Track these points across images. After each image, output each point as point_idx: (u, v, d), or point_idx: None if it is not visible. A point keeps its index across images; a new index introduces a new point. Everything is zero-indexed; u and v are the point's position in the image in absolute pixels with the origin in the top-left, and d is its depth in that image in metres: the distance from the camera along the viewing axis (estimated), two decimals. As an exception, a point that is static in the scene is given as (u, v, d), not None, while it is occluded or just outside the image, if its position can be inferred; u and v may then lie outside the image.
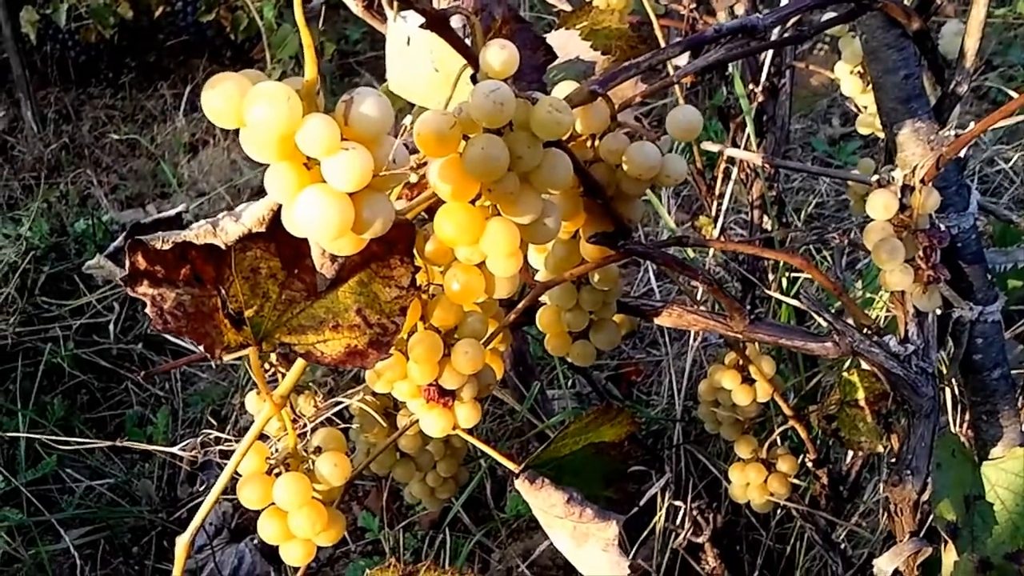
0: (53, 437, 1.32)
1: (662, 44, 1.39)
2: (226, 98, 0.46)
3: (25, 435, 1.55)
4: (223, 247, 0.55)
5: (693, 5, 1.38)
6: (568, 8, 1.19)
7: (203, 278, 0.56)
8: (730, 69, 1.37)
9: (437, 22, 0.56)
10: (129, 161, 3.08)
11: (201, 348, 0.55)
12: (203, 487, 1.81)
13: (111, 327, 2.17)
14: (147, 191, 2.92)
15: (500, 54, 0.56)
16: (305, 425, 0.88)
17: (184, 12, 3.28)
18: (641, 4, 1.38)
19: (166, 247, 0.53)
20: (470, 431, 0.83)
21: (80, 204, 2.80)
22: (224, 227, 0.54)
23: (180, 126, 3.13)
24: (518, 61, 0.57)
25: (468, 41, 0.61)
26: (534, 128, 0.57)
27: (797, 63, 1.36)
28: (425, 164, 0.61)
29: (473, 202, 0.61)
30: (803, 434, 1.11)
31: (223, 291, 0.57)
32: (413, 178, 0.48)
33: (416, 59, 0.75)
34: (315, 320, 0.59)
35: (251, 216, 0.55)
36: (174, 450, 0.87)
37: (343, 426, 0.97)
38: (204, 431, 0.91)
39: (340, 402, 0.91)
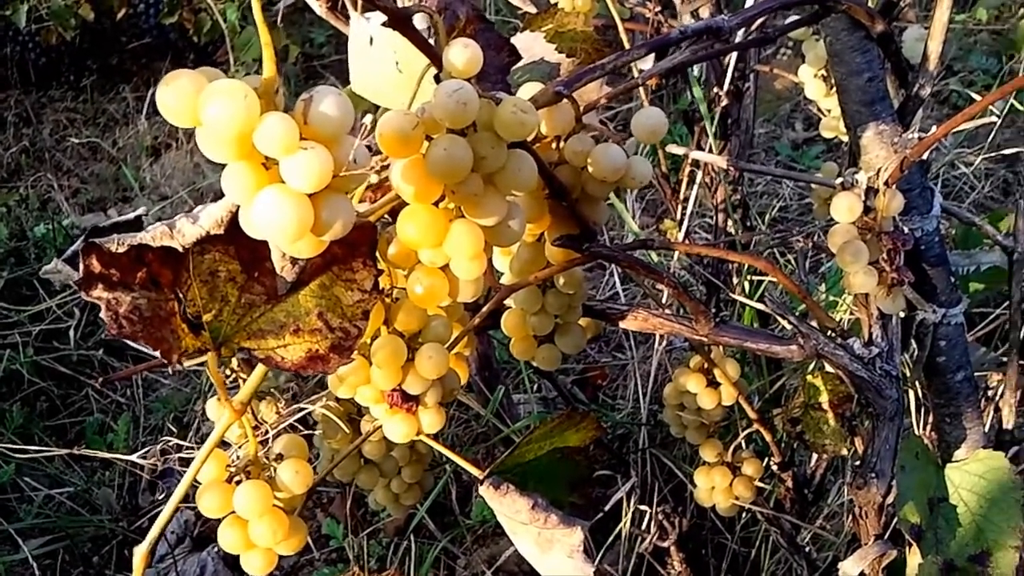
0: (11, 445, 1.29)
1: (627, 47, 1.39)
2: (182, 96, 0.45)
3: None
4: (180, 250, 0.53)
5: (658, 8, 1.38)
6: (533, 10, 1.19)
7: (160, 281, 0.54)
8: (695, 72, 1.37)
9: (400, 20, 0.55)
10: (90, 165, 3.04)
11: (158, 354, 0.53)
12: (164, 495, 1.78)
13: (71, 333, 2.14)
14: (109, 195, 2.88)
15: (463, 53, 0.55)
16: (267, 432, 0.87)
17: (147, 14, 3.24)
18: (606, 7, 1.38)
19: (121, 250, 0.52)
20: (435, 437, 0.82)
21: (40, 208, 2.76)
22: (181, 229, 0.53)
23: (142, 129, 3.09)
24: (482, 60, 0.56)
25: (432, 41, 0.60)
26: (498, 129, 0.57)
27: (761, 67, 1.36)
28: (388, 165, 0.60)
29: (436, 204, 0.60)
30: (768, 437, 1.11)
31: (181, 295, 0.56)
32: (374, 179, 0.47)
33: (379, 59, 0.74)
34: (275, 324, 0.58)
35: (209, 218, 0.53)
36: (133, 458, 0.85)
37: (306, 432, 0.96)
38: (165, 438, 0.89)
39: (303, 408, 0.90)
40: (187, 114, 0.45)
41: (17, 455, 1.65)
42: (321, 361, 0.58)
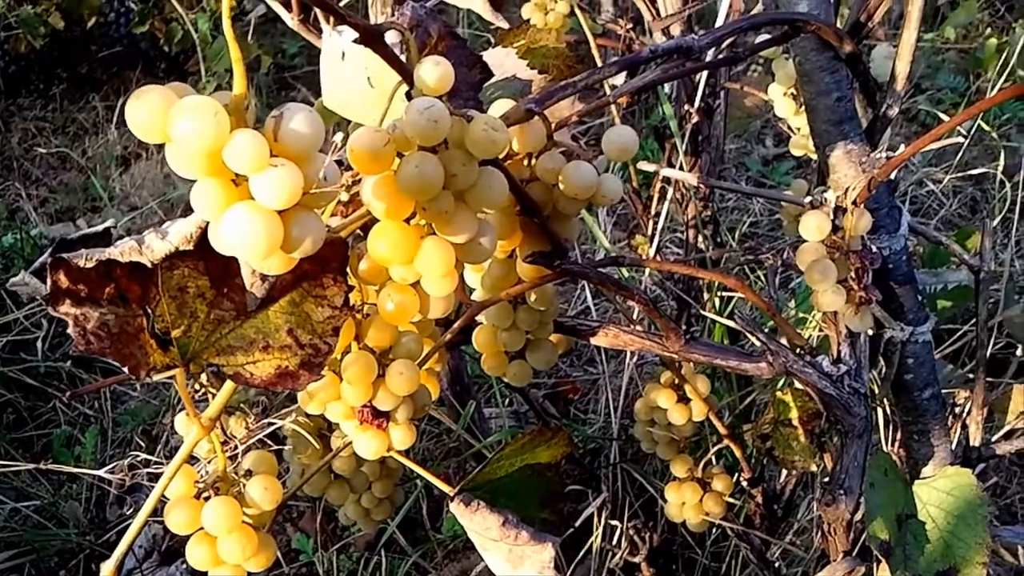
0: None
1: (599, 64, 1.40)
2: (151, 111, 0.45)
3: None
4: (149, 265, 0.53)
5: (630, 26, 1.39)
6: (505, 26, 1.19)
7: (128, 297, 0.54)
8: (666, 88, 1.38)
9: (371, 37, 0.55)
10: (59, 174, 3.02)
11: (126, 369, 0.53)
12: (132, 509, 1.76)
13: (39, 344, 2.12)
14: (78, 205, 2.86)
15: (435, 71, 0.55)
16: (236, 447, 0.86)
17: (117, 23, 3.23)
18: (579, 24, 1.39)
19: (89, 265, 0.52)
20: (406, 452, 0.82)
21: (8, 218, 2.74)
22: (150, 244, 0.53)
23: (112, 139, 3.07)
24: (453, 78, 0.56)
25: (404, 57, 0.61)
26: (469, 146, 0.57)
27: (731, 84, 1.37)
28: (359, 182, 0.60)
29: (408, 221, 0.60)
30: (738, 453, 1.12)
31: (149, 310, 0.55)
32: (344, 196, 0.47)
33: (351, 75, 0.74)
34: (244, 341, 0.58)
35: (178, 234, 0.53)
36: (100, 472, 0.85)
37: (276, 448, 0.96)
38: (132, 452, 0.89)
39: (272, 423, 0.90)
40: (156, 130, 0.45)
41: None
42: (291, 378, 0.58)
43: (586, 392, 2.07)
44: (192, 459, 0.71)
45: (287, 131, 0.46)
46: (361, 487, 1.01)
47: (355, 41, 0.56)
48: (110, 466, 0.83)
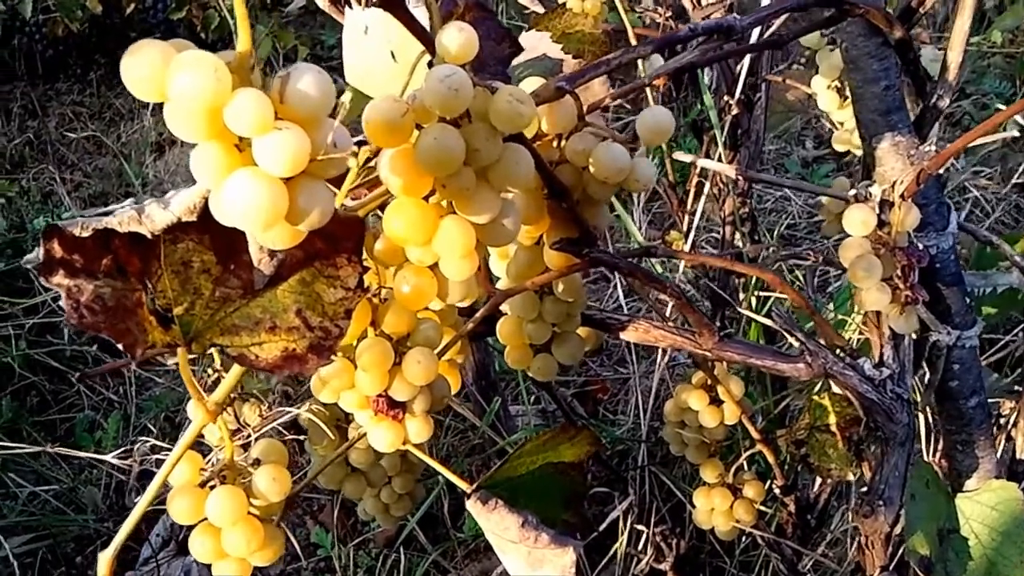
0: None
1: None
2: (149, 67, 0.41)
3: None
4: (149, 236, 0.50)
5: (669, 14, 1.35)
6: (541, 10, 1.16)
7: (127, 270, 0.51)
8: (704, 79, 1.34)
9: (392, 2, 0.52)
10: (94, 159, 3.01)
11: (121, 347, 0.50)
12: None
13: (65, 328, 2.11)
14: (111, 190, 2.85)
15: (458, 37, 0.52)
16: (249, 435, 0.83)
17: (155, 9, 3.22)
18: (616, 12, 1.35)
19: (85, 234, 0.49)
20: (426, 447, 0.79)
21: (42, 201, 2.74)
22: (151, 214, 0.50)
23: (147, 125, 3.06)
24: (477, 45, 0.53)
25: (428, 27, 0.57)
26: (493, 119, 0.53)
27: (773, 77, 1.32)
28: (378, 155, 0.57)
29: (427, 199, 0.57)
30: (771, 459, 1.08)
31: (150, 285, 0.52)
32: (352, 163, 0.43)
33: (374, 49, 0.71)
34: (250, 320, 0.54)
35: (181, 204, 0.50)
36: (109, 457, 0.82)
37: (295, 438, 0.92)
38: (143, 438, 0.86)
39: (287, 411, 0.87)
40: (154, 87, 0.41)
41: (1, 451, 1.62)
42: (298, 361, 0.54)
43: (615, 392, 2.03)
44: (208, 449, 0.68)
45: (294, 92, 0.43)
46: (379, 481, 0.98)
47: (375, 5, 0.52)
48: (119, 450, 0.80)
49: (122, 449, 0.78)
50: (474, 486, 0.70)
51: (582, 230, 0.71)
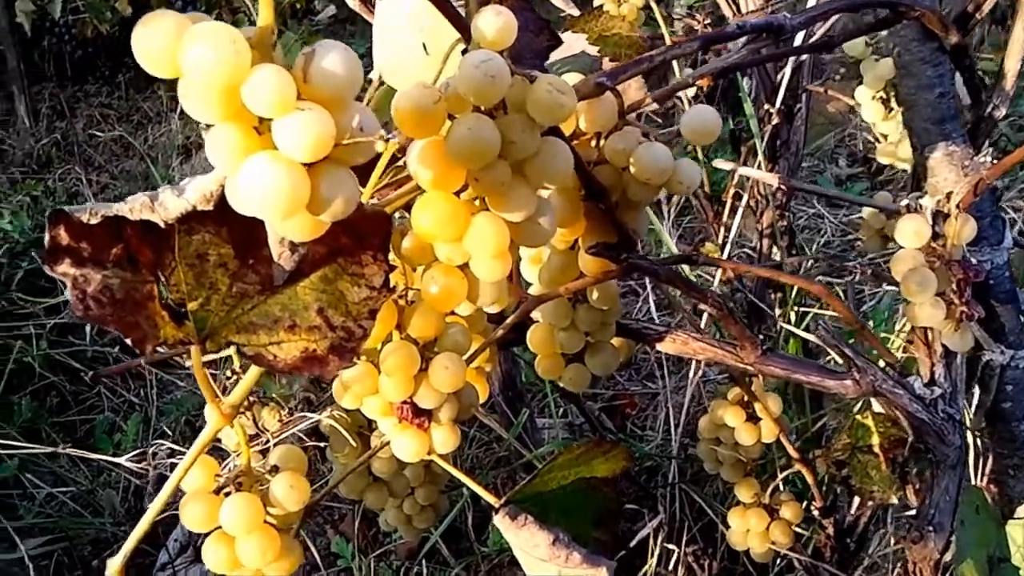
0: (10, 442, 1.23)
1: (676, 66, 1.32)
2: (162, 38, 0.38)
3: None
4: (162, 225, 0.47)
5: (708, 21, 1.31)
6: (576, 13, 1.12)
7: (139, 261, 0.48)
8: (744, 87, 1.30)
9: (426, -19, 0.48)
10: (121, 161, 3.01)
11: (129, 341, 0.47)
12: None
13: (87, 328, 2.09)
14: (136, 192, 2.84)
15: (495, 20, 0.48)
16: (268, 441, 0.80)
17: (184, 12, 3.21)
18: (653, 19, 1.32)
19: (94, 221, 0.46)
20: (450, 457, 0.75)
21: (67, 202, 2.73)
22: (164, 202, 0.47)
23: (175, 128, 3.06)
24: (516, 29, 0.49)
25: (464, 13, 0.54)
26: (531, 110, 0.50)
27: (814, 87, 1.28)
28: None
29: (458, 194, 0.53)
30: (810, 479, 1.03)
31: (163, 278, 0.49)
32: (380, 146, 0.40)
33: (405, 41, 0.68)
34: (269, 318, 0.51)
35: (196, 191, 0.47)
36: (123, 460, 0.79)
37: (319, 444, 0.89)
38: (158, 442, 0.83)
39: (307, 417, 0.84)
40: (167, 61, 0.38)
41: (18, 451, 1.59)
42: (318, 363, 0.51)
43: (644, 407, 1.99)
44: (227, 454, 0.65)
45: (318, 71, 0.39)
46: (401, 492, 0.94)
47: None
48: (132, 454, 0.77)
49: (136, 452, 0.75)
50: (502, 500, 0.66)
51: (620, 234, 0.67)
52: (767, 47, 0.72)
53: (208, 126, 0.41)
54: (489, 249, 0.53)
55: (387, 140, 0.41)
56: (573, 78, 0.63)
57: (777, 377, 0.78)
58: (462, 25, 0.52)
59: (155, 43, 0.38)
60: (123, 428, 1.89)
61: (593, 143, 0.67)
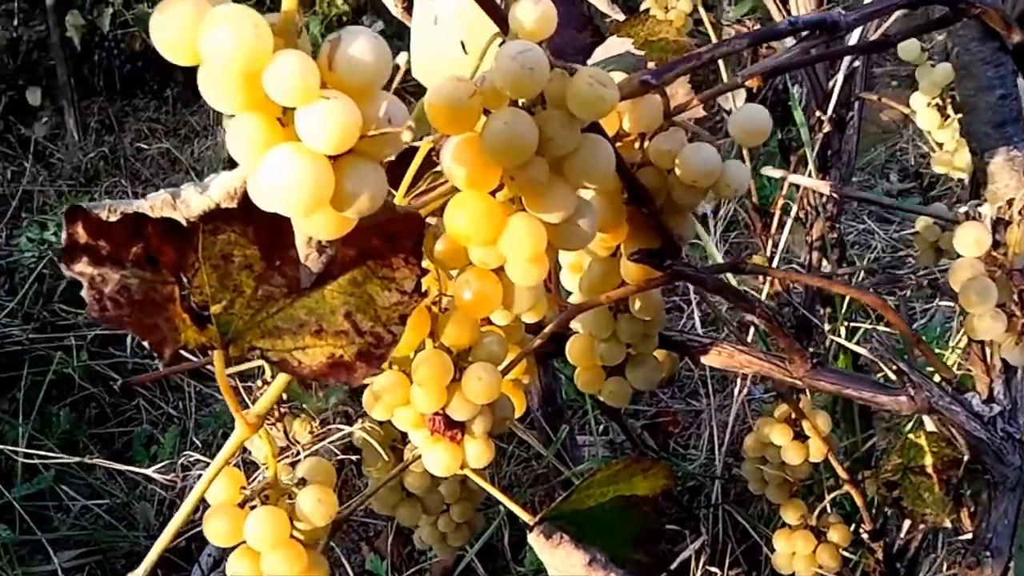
0: (47, 453, 1.23)
1: (722, 68, 1.29)
2: (180, 23, 0.36)
3: (15, 450, 1.46)
4: (184, 223, 0.45)
5: (757, 27, 1.28)
6: (621, 17, 1.10)
7: (159, 260, 0.46)
8: (794, 94, 1.27)
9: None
10: (168, 175, 3.02)
11: (147, 344, 0.45)
12: (202, 514, 1.70)
13: (128, 339, 2.09)
14: (182, 206, 2.86)
15: (533, 9, 0.46)
16: (299, 453, 0.78)
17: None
18: (701, 27, 1.30)
19: (113, 218, 0.44)
20: (485, 473, 0.73)
21: (114, 215, 2.74)
22: (186, 199, 0.45)
23: (221, 142, 3.07)
24: (556, 19, 0.47)
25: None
26: (571, 105, 0.47)
27: (867, 95, 1.25)
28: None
29: (494, 194, 0.51)
30: (859, 501, 0.99)
31: (185, 279, 0.47)
32: (407, 137, 0.38)
33: (442, 41, 0.65)
34: (294, 322, 0.49)
35: (220, 188, 0.45)
36: (151, 472, 0.78)
37: (353, 458, 0.87)
38: (187, 454, 0.81)
39: (339, 429, 0.82)
40: (186, 47, 0.36)
41: (51, 460, 1.59)
42: (345, 369, 0.49)
43: (687, 425, 1.95)
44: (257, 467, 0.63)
45: (344, 58, 0.37)
46: (435, 508, 0.92)
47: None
48: (160, 465, 0.75)
49: (165, 463, 0.73)
50: (537, 518, 0.64)
51: (664, 240, 0.64)
52: (819, 46, 0.69)
53: (230, 117, 0.39)
54: (525, 252, 0.50)
55: (422, 138, 0.38)
56: (616, 77, 0.61)
57: (827, 392, 0.75)
58: (500, 17, 0.50)
59: (173, 28, 0.36)
60: (160, 441, 1.89)
61: (637, 144, 0.64)
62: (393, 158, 0.42)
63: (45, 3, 2.99)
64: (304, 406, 0.81)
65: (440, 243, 0.54)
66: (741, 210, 1.51)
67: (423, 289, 0.53)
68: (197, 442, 1.89)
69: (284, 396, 0.85)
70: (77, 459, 0.77)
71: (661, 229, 0.64)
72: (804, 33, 0.67)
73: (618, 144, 0.64)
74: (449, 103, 0.46)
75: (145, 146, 3.09)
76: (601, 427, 1.78)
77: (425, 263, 0.56)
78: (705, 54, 0.62)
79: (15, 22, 3.29)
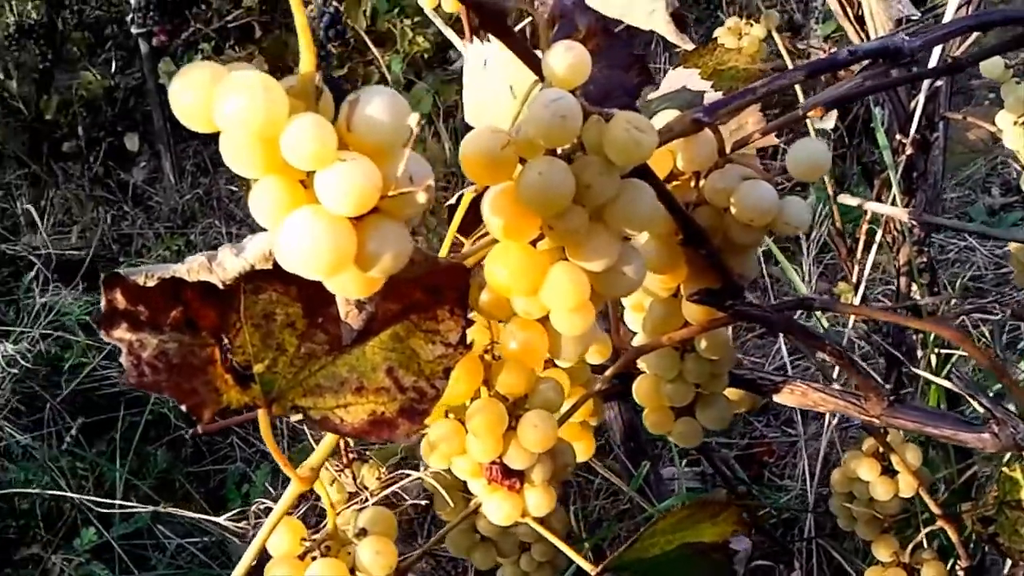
0: (110, 502, 1.26)
1: (800, 94, 1.26)
2: (195, 91, 0.36)
3: (97, 500, 1.49)
4: (221, 286, 0.45)
5: (835, 50, 1.25)
6: (690, 47, 1.09)
7: (199, 324, 0.46)
8: (877, 117, 1.23)
9: (492, 17, 0.45)
10: (261, 216, 3.08)
11: (185, 408, 0.45)
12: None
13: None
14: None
15: (565, 56, 0.45)
16: (366, 500, 0.78)
17: (318, 66, 3.29)
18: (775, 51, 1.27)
19: (151, 283, 0.44)
20: (554, 517, 0.72)
21: (208, 255, 2.81)
22: (222, 261, 0.45)
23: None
24: (589, 66, 0.46)
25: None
26: (608, 151, 0.46)
27: (952, 114, 1.20)
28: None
29: (535, 243, 0.50)
30: (954, 537, 0.95)
31: (227, 340, 0.47)
32: (422, 197, 0.37)
33: (493, 84, 0.65)
34: (335, 380, 0.48)
35: (255, 249, 0.45)
36: (220, 520, 0.78)
37: (425, 503, 0.87)
38: (259, 500, 0.82)
39: (407, 474, 0.81)
40: (202, 115, 0.36)
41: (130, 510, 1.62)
42: (387, 426, 0.48)
43: (783, 455, 1.90)
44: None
45: (362, 118, 0.37)
46: (509, 551, 0.90)
47: (474, 25, 0.46)
48: (231, 512, 0.76)
49: (236, 511, 0.73)
50: (599, 568, 0.62)
51: (725, 280, 0.63)
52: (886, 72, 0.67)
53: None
54: (567, 301, 0.49)
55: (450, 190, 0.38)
56: (669, 115, 0.60)
57: (906, 430, 0.71)
58: (536, 63, 0.49)
59: (190, 96, 0.36)
60: (253, 479, 1.91)
61: (692, 183, 0.62)
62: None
63: (140, 51, 3.09)
64: (368, 452, 0.81)
65: (485, 294, 0.53)
66: (828, 235, 1.47)
67: (472, 338, 0.53)
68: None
69: (352, 442, 0.85)
70: (143, 507, 0.78)
71: (721, 269, 0.62)
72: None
73: (673, 184, 0.62)
74: (482, 154, 0.46)
75: (238, 188, 3.16)
76: (691, 459, 1.75)
77: (474, 314, 0.55)
78: (760, 88, 0.60)
79: (112, 70, 3.40)
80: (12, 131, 3.38)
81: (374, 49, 2.85)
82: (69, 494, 1.42)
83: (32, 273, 2.44)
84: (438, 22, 1.16)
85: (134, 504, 1.20)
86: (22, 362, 2.04)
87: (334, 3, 2.74)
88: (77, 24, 3.59)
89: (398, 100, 0.37)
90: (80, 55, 3.55)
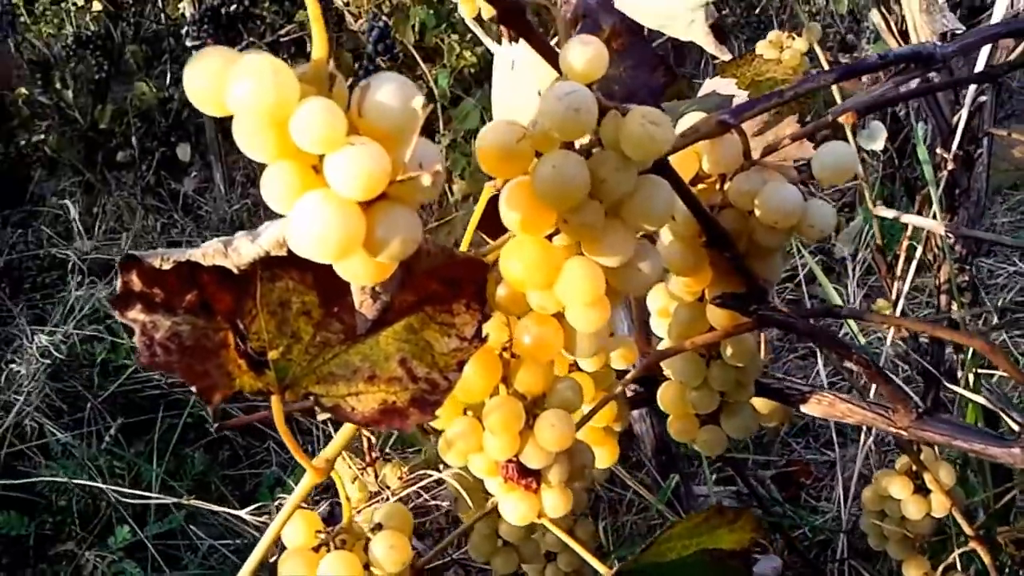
0: (156, 497, 1.27)
1: (838, 99, 1.25)
2: (208, 76, 0.37)
3: (142, 493, 1.51)
4: (235, 271, 0.45)
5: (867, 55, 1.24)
6: (728, 58, 1.08)
7: (214, 308, 0.46)
8: (919, 132, 1.22)
9: (510, 11, 0.45)
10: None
11: (195, 390, 0.45)
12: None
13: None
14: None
15: (583, 51, 0.45)
16: (388, 499, 0.78)
17: (331, 56, 3.32)
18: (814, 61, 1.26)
19: (167, 266, 0.45)
20: (569, 520, 0.71)
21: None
22: (237, 247, 0.45)
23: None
24: (606, 61, 0.46)
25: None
26: (624, 146, 0.46)
27: (997, 130, 1.19)
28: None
29: (550, 238, 0.50)
30: (987, 560, 0.93)
31: (242, 326, 0.47)
32: (427, 180, 0.37)
33: (520, 85, 0.65)
34: (348, 369, 0.49)
35: (270, 236, 0.45)
36: (242, 513, 0.79)
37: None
38: (282, 496, 0.82)
39: (428, 474, 0.81)
40: (214, 99, 0.37)
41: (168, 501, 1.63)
42: (398, 415, 0.48)
43: (820, 476, 1.88)
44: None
45: (372, 104, 0.37)
46: (532, 557, 0.90)
47: (495, 20, 0.47)
48: (253, 507, 0.76)
49: (258, 505, 0.74)
50: (614, 571, 0.62)
51: (749, 284, 0.62)
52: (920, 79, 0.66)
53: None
54: (582, 296, 0.49)
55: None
56: (695, 116, 0.59)
57: (936, 443, 0.70)
58: (556, 59, 0.49)
59: (202, 80, 0.37)
60: (287, 483, 1.92)
61: (717, 186, 0.62)
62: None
63: (193, 63, 3.14)
64: (388, 451, 0.81)
65: (501, 288, 0.53)
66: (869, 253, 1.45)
67: (490, 335, 0.53)
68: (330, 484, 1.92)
69: (376, 441, 0.85)
70: (169, 499, 0.79)
71: (745, 272, 0.61)
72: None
73: (699, 186, 0.62)
74: (498, 147, 0.46)
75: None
76: (725, 475, 1.73)
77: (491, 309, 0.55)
78: (787, 92, 0.60)
79: (167, 82, 3.46)
80: (68, 140, 3.44)
81: (422, 64, 2.86)
82: (103, 486, 1.43)
83: (79, 277, 2.47)
84: (483, 37, 1.16)
85: (163, 497, 1.21)
86: (59, 356, 2.07)
87: (383, 18, 2.76)
88: (134, 37, 3.65)
89: (408, 86, 0.37)
90: (137, 67, 3.61)
